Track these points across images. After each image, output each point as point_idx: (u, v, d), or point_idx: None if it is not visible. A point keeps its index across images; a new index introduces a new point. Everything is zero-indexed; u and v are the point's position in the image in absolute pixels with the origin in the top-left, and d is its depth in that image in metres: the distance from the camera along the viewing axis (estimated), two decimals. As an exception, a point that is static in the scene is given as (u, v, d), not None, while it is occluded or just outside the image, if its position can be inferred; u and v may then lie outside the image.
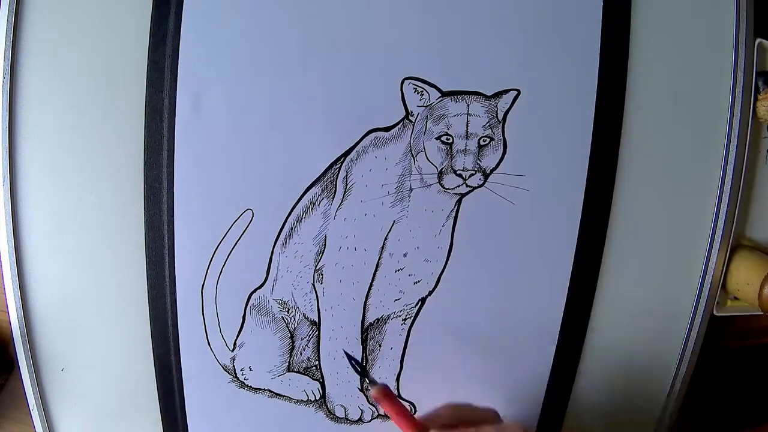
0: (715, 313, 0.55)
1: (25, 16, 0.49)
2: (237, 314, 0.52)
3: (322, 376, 0.54)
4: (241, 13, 0.48)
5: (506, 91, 0.49)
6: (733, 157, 0.52)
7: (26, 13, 0.49)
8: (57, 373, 0.54)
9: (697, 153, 0.52)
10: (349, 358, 0.53)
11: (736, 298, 0.56)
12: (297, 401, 0.55)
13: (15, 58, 0.49)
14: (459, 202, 0.51)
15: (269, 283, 0.52)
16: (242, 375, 0.54)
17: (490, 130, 0.49)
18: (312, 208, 0.50)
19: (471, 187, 0.50)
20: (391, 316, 0.53)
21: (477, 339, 0.54)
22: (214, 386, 0.54)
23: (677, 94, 0.51)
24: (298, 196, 0.50)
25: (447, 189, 0.50)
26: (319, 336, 0.53)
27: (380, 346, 0.54)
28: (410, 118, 0.49)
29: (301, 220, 0.51)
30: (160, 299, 0.52)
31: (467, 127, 0.49)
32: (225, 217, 0.50)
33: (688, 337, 0.55)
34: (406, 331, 0.53)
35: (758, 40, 0.51)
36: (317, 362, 0.54)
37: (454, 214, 0.51)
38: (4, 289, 0.52)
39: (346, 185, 0.50)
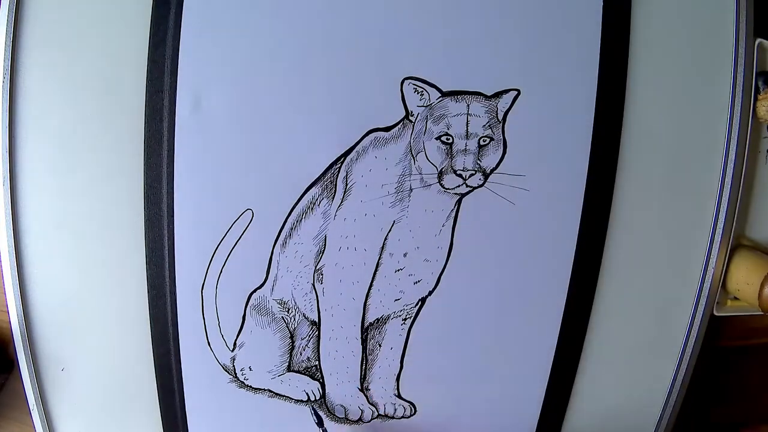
0: (715, 313, 0.55)
1: (25, 16, 0.49)
2: (237, 314, 0.52)
3: (322, 376, 0.54)
4: (241, 13, 0.48)
5: (506, 91, 0.49)
6: (733, 157, 0.52)
7: (26, 13, 0.49)
8: (57, 373, 0.54)
9: (697, 153, 0.52)
10: (313, 410, 0.54)
11: (736, 298, 0.56)
12: (297, 401, 0.55)
13: (15, 58, 0.49)
14: (459, 202, 0.51)
15: (269, 283, 0.52)
16: (242, 375, 0.54)
17: (490, 130, 0.49)
18: (312, 208, 0.50)
19: (471, 187, 0.50)
20: (391, 316, 0.53)
21: (477, 339, 0.54)
22: (214, 386, 0.54)
23: (677, 94, 0.51)
24: (298, 196, 0.50)
25: (447, 189, 0.50)
26: (319, 336, 0.53)
27: (380, 346, 0.54)
28: (410, 118, 0.49)
29: (301, 220, 0.51)
30: (160, 299, 0.52)
31: (467, 127, 0.49)
32: (225, 217, 0.50)
33: (688, 337, 0.55)
34: (406, 331, 0.53)
35: (758, 40, 0.51)
36: (317, 362, 0.54)
37: (454, 214, 0.51)
38: (4, 289, 0.52)
39: (346, 185, 0.50)
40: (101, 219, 0.51)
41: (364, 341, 0.53)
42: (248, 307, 0.52)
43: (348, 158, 0.50)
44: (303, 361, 0.54)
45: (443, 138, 0.49)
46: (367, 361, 0.54)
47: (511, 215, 0.51)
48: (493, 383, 0.55)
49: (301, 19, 0.48)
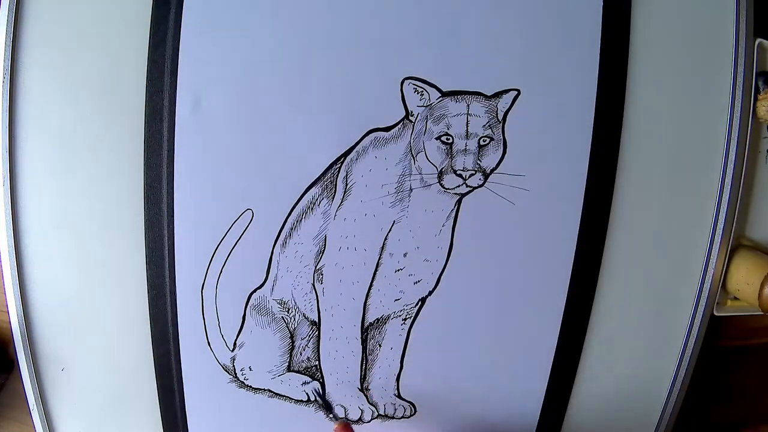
0: (715, 313, 0.55)
1: (25, 16, 0.49)
2: (237, 314, 0.52)
3: (322, 376, 0.54)
4: (241, 13, 0.48)
5: (506, 91, 0.49)
6: (733, 157, 0.52)
7: (26, 13, 0.49)
8: (57, 373, 0.54)
9: (697, 153, 0.52)
10: (319, 395, 0.54)
11: (736, 298, 0.56)
12: (297, 401, 0.55)
13: (15, 58, 0.49)
14: (459, 202, 0.51)
15: (269, 283, 0.52)
16: (242, 375, 0.54)
17: (490, 130, 0.49)
18: (312, 208, 0.50)
19: (471, 187, 0.50)
20: (391, 316, 0.53)
21: (477, 339, 0.54)
22: (214, 386, 0.54)
23: (677, 94, 0.51)
24: (298, 196, 0.50)
25: (447, 189, 0.50)
26: (319, 336, 0.53)
27: (380, 346, 0.54)
28: (410, 118, 0.49)
29: (301, 220, 0.51)
30: (160, 299, 0.52)
31: (467, 127, 0.49)
32: (225, 217, 0.50)
33: (688, 337, 0.55)
34: (406, 331, 0.53)
35: (758, 40, 0.51)
36: (317, 362, 0.54)
37: (454, 214, 0.51)
38: (4, 289, 0.52)
39: (346, 185, 0.50)
40: (101, 219, 0.51)
41: (364, 341, 0.53)
42: (248, 307, 0.52)
43: (348, 158, 0.50)
44: (303, 361, 0.54)
45: (443, 138, 0.49)
46: (367, 361, 0.54)
47: (511, 215, 0.51)
48: (493, 383, 0.55)
49: (301, 19, 0.48)
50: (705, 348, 0.56)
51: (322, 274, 0.52)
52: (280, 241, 0.51)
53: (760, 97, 0.52)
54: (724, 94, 0.51)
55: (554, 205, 0.51)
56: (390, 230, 0.51)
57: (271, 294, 0.52)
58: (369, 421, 0.55)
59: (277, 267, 0.52)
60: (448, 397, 0.55)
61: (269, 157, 0.49)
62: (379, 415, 0.55)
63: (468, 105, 0.49)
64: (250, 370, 0.54)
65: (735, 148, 0.52)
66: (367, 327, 0.53)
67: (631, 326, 0.55)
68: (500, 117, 0.49)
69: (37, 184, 0.51)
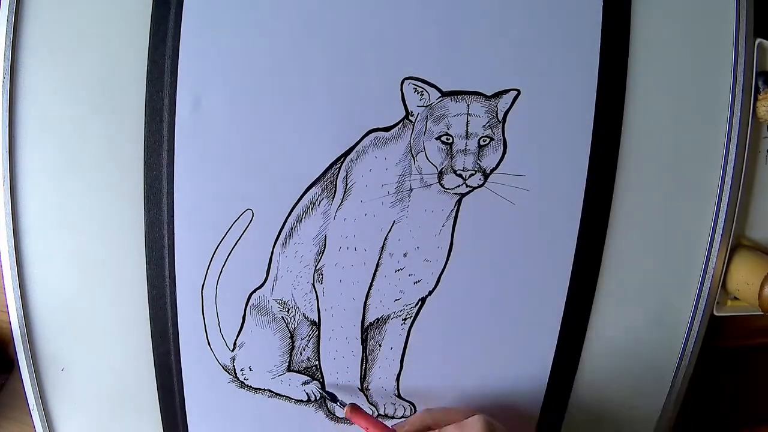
0: (715, 313, 0.55)
1: (25, 16, 0.49)
2: (237, 314, 0.52)
3: (322, 376, 0.54)
4: (241, 13, 0.48)
5: (506, 91, 0.49)
6: (733, 157, 0.52)
7: (26, 13, 0.49)
8: (57, 373, 0.54)
9: (697, 153, 0.52)
10: (320, 390, 0.54)
11: (736, 298, 0.56)
12: (297, 401, 0.55)
13: (15, 58, 0.49)
14: (459, 202, 0.51)
15: (269, 283, 0.52)
16: (242, 375, 0.54)
17: (490, 130, 0.49)
18: (312, 208, 0.50)
19: (471, 187, 0.50)
20: (391, 316, 0.53)
21: (477, 338, 0.54)
22: (214, 386, 0.54)
23: (677, 94, 0.51)
24: (298, 196, 0.50)
25: (447, 189, 0.50)
26: (319, 336, 0.53)
27: (380, 346, 0.54)
28: (410, 118, 0.49)
29: (301, 220, 0.51)
30: (160, 299, 0.52)
31: (467, 127, 0.49)
32: (225, 217, 0.50)
33: (688, 337, 0.55)
34: (406, 331, 0.53)
35: (758, 40, 0.51)
36: (317, 362, 0.54)
37: (454, 214, 0.51)
38: (4, 289, 0.52)
39: (346, 185, 0.50)
40: (101, 219, 0.51)
41: (364, 341, 0.54)
42: (248, 307, 0.52)
43: (348, 158, 0.50)
44: (303, 361, 0.54)
45: (443, 138, 0.49)
46: (367, 361, 0.54)
47: (511, 215, 0.51)
48: (493, 383, 0.55)
49: (301, 19, 0.48)
50: (705, 348, 0.56)
51: (322, 274, 0.52)
52: (280, 241, 0.51)
53: (760, 97, 0.52)
54: (724, 94, 0.51)
55: (554, 205, 0.51)
56: (390, 230, 0.51)
57: (271, 294, 0.52)
58: (369, 421, 0.55)
59: (277, 267, 0.52)
60: (448, 397, 0.55)
61: (269, 157, 0.50)
62: (379, 415, 0.55)
63: (468, 105, 0.49)
64: (250, 370, 0.54)
65: (735, 148, 0.52)
66: (367, 327, 0.53)
67: (631, 326, 0.55)
68: (500, 117, 0.49)
69: (37, 184, 0.51)
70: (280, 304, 0.52)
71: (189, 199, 0.50)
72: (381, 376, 0.54)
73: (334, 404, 0.54)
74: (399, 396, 0.55)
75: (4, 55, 0.49)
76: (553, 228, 0.52)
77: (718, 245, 0.53)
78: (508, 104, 0.49)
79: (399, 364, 0.54)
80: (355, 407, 0.51)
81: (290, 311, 0.53)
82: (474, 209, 0.51)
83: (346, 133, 0.50)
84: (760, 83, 0.52)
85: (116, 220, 0.51)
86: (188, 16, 0.48)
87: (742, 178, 0.52)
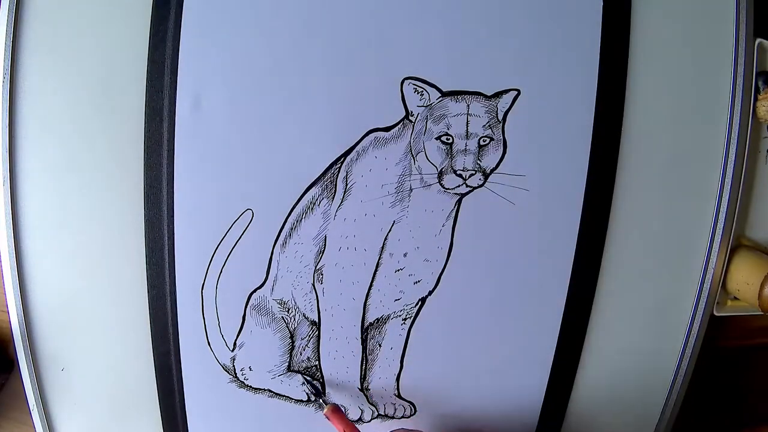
0: (715, 313, 0.55)
1: (25, 16, 0.49)
2: (237, 314, 0.52)
3: (322, 376, 0.54)
4: (241, 13, 0.48)
5: (506, 91, 0.49)
6: (733, 157, 0.52)
7: (26, 13, 0.49)
8: (57, 373, 0.54)
9: (697, 153, 0.52)
10: (308, 382, 0.54)
11: (736, 298, 0.56)
12: (297, 401, 0.55)
13: (15, 58, 0.49)
14: (459, 202, 0.51)
15: (269, 283, 0.52)
16: (242, 375, 0.54)
17: (490, 130, 0.49)
18: (312, 208, 0.50)
19: (471, 187, 0.50)
20: (391, 316, 0.53)
21: (477, 339, 0.54)
22: (214, 386, 0.54)
23: (677, 94, 0.51)
24: (298, 196, 0.50)
25: (447, 189, 0.50)
26: (319, 336, 0.53)
27: (380, 346, 0.54)
28: (410, 118, 0.49)
29: (301, 220, 0.51)
30: (160, 299, 0.52)
31: (467, 127, 0.49)
32: (225, 217, 0.50)
33: (688, 337, 0.55)
34: (406, 331, 0.53)
35: (758, 40, 0.51)
36: (317, 362, 0.54)
37: (454, 214, 0.51)
38: (4, 289, 0.52)
39: (346, 185, 0.50)
40: (101, 219, 0.51)
41: (364, 341, 0.54)
42: (248, 307, 0.52)
43: (348, 158, 0.50)
44: (303, 361, 0.54)
45: (443, 138, 0.49)
46: (367, 361, 0.54)
47: (511, 215, 0.51)
48: (493, 383, 0.55)
49: (301, 20, 0.48)
50: (705, 348, 0.56)
51: (322, 274, 0.52)
52: (280, 241, 0.51)
53: (760, 97, 0.52)
54: (724, 94, 0.51)
55: (554, 205, 0.51)
56: (390, 230, 0.51)
57: (271, 294, 0.52)
58: (369, 421, 0.55)
59: (277, 267, 0.52)
60: (448, 397, 0.55)
61: (269, 157, 0.49)
62: (379, 415, 0.55)
63: (468, 105, 0.49)
64: (250, 370, 0.54)
65: (735, 148, 0.52)
66: (367, 327, 0.53)
67: (631, 326, 0.55)
68: (500, 117, 0.49)
69: (37, 184, 0.51)
70: (280, 304, 0.52)
71: (189, 199, 0.50)
72: (381, 376, 0.54)
73: (319, 399, 0.54)
74: (399, 396, 0.55)
75: (4, 55, 0.49)
76: (553, 228, 0.52)
77: (718, 245, 0.53)
78: (508, 104, 0.49)
79: (399, 364, 0.54)
80: (336, 409, 0.51)
81: (290, 311, 0.53)
82: (474, 209, 0.51)
83: (346, 133, 0.50)
84: (760, 83, 0.52)
85: (116, 220, 0.51)
86: (188, 16, 0.48)
87: (742, 178, 0.52)
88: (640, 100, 0.51)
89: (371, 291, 0.52)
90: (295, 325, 0.53)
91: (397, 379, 0.54)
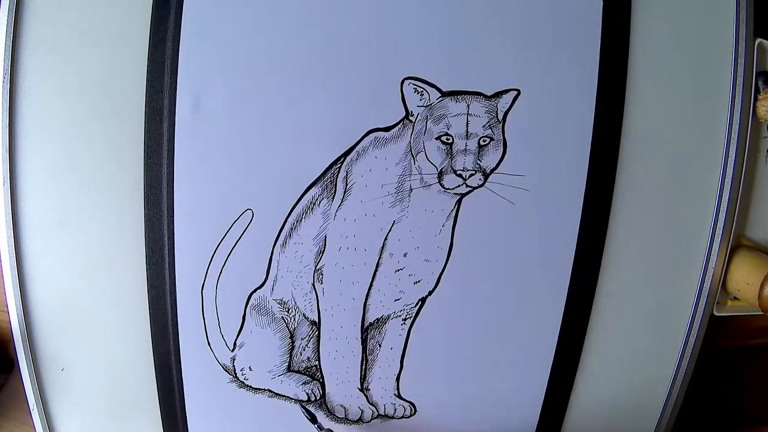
0: (715, 313, 0.55)
1: (25, 16, 0.49)
2: (237, 314, 0.52)
3: (322, 376, 0.54)
4: (241, 14, 0.48)
5: (506, 91, 0.49)
6: (733, 157, 0.52)
7: (26, 13, 0.49)
8: (57, 373, 0.54)
9: (697, 153, 0.52)
10: (303, 408, 0.54)
11: (736, 298, 0.56)
12: (297, 401, 0.55)
13: (15, 58, 0.49)
14: (459, 202, 0.51)
15: (269, 283, 0.52)
16: (242, 375, 0.54)
17: (490, 130, 0.49)
18: (312, 208, 0.50)
19: (471, 187, 0.50)
20: (391, 316, 0.53)
21: (477, 339, 0.54)
22: (214, 386, 0.54)
23: (677, 94, 0.51)
24: (298, 196, 0.50)
25: (447, 189, 0.50)
26: (319, 336, 0.53)
27: (380, 346, 0.54)
28: (410, 118, 0.49)
29: (301, 220, 0.51)
30: (160, 299, 0.52)
31: (467, 127, 0.49)
32: (225, 217, 0.50)
33: (688, 337, 0.55)
34: (406, 331, 0.53)
35: (758, 40, 0.51)
36: (317, 362, 0.54)
37: (454, 214, 0.51)
38: (4, 289, 0.52)
39: (346, 185, 0.50)
40: (101, 219, 0.51)
41: (364, 341, 0.53)
42: (248, 307, 0.52)
43: (348, 158, 0.50)
44: (303, 361, 0.54)
45: (443, 138, 0.49)
46: (367, 361, 0.54)
47: (511, 215, 0.51)
48: (493, 383, 0.55)
49: (300, 20, 0.48)
50: (705, 348, 0.56)
51: (322, 274, 0.52)
52: (280, 241, 0.51)
53: (760, 97, 0.52)
54: (724, 94, 0.51)
55: (554, 205, 0.51)
56: (390, 230, 0.51)
57: (271, 294, 0.52)
58: (369, 421, 0.55)
59: (277, 267, 0.52)
60: (448, 397, 0.55)
61: (269, 157, 0.49)
62: (379, 415, 0.55)
63: (468, 105, 0.49)
64: (250, 370, 0.54)
65: (735, 148, 0.52)
66: (367, 327, 0.53)
67: (631, 326, 0.55)
68: (500, 117, 0.49)
69: (37, 184, 0.51)
70: (280, 304, 0.52)
71: (189, 199, 0.50)
72: (381, 376, 0.54)
73: (312, 425, 0.54)
74: (399, 396, 0.55)
75: (4, 55, 0.49)
76: (553, 228, 0.51)
77: (718, 245, 0.53)
78: (508, 104, 0.49)
79: (399, 364, 0.54)
80: None
81: (290, 311, 0.53)
82: (474, 209, 0.51)
83: (346, 133, 0.50)
84: (760, 83, 0.52)
85: (116, 220, 0.51)
86: (188, 16, 0.48)
87: (742, 178, 0.52)
88: (640, 100, 0.51)
89: (371, 291, 0.52)
90: (295, 325, 0.53)
91: (397, 379, 0.54)
